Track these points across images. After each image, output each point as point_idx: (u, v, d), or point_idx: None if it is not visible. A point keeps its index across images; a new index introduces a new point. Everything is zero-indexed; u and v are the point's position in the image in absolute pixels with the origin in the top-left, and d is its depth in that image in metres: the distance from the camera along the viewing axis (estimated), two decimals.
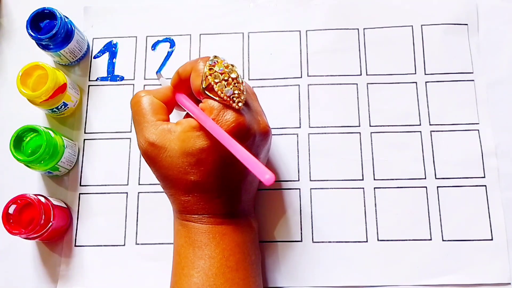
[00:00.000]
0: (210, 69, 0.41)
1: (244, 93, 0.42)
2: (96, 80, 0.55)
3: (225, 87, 0.41)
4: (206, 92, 0.41)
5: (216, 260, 0.41)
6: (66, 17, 0.52)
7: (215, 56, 0.42)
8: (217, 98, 0.41)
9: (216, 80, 0.41)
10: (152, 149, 0.42)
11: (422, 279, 0.48)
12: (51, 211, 0.47)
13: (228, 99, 0.41)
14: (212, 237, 0.42)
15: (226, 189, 0.43)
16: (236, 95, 0.41)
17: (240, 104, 0.41)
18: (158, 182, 0.48)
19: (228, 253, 0.42)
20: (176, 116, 0.52)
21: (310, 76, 0.54)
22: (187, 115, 0.46)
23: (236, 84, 0.41)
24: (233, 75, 0.41)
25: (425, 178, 0.51)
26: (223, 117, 0.41)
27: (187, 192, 0.42)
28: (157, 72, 0.55)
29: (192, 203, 0.42)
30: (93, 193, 0.52)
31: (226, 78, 0.41)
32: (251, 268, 0.43)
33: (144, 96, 0.44)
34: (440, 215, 0.50)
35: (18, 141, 0.48)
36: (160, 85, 0.53)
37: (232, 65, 0.42)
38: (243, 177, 0.43)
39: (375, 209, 0.50)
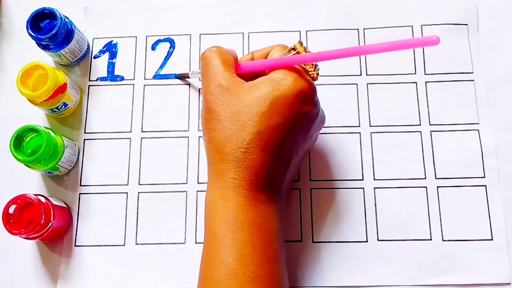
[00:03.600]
0: (299, 42, 0.44)
1: (318, 75, 0.44)
2: (96, 80, 0.55)
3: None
4: (291, 52, 0.43)
5: (257, 247, 0.39)
6: (66, 17, 0.52)
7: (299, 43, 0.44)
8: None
9: (305, 46, 0.43)
10: (224, 91, 0.42)
11: (422, 279, 0.48)
12: (51, 211, 0.47)
13: (307, 67, 0.43)
14: (254, 219, 0.40)
15: (280, 156, 0.41)
16: (313, 68, 0.43)
17: (316, 76, 0.44)
18: (161, 182, 0.49)
19: (268, 240, 0.40)
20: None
21: None
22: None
23: (316, 66, 0.44)
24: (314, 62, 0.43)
25: (425, 178, 0.51)
26: (303, 75, 0.43)
27: (244, 145, 0.40)
28: (177, 76, 0.55)
29: (244, 159, 0.40)
30: (93, 193, 0.52)
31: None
32: (282, 261, 0.42)
33: (219, 48, 0.45)
34: (440, 215, 0.50)
35: (18, 141, 0.48)
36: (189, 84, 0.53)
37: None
38: (296, 154, 0.43)
39: (375, 209, 0.50)
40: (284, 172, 0.43)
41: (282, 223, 0.43)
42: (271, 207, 0.42)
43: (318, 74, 0.44)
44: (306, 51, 0.43)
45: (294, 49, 0.43)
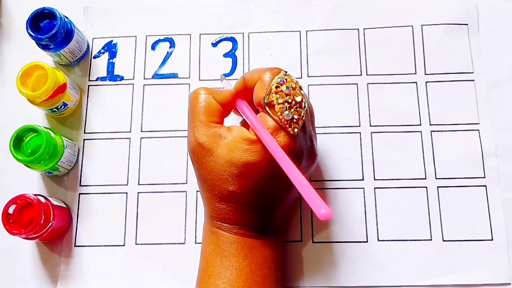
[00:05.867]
0: (277, 87, 0.41)
1: (303, 118, 0.41)
2: (96, 80, 0.55)
3: (286, 109, 0.40)
4: (266, 108, 0.41)
5: (243, 273, 0.41)
6: (66, 17, 0.52)
7: (286, 74, 0.42)
8: (275, 118, 0.41)
9: (280, 100, 0.40)
10: (200, 150, 0.42)
11: (422, 279, 0.48)
12: (51, 211, 0.47)
13: (285, 122, 0.40)
14: (241, 249, 0.42)
15: (261, 205, 0.43)
16: (294, 120, 0.41)
17: (296, 130, 0.41)
18: (161, 182, 0.49)
19: (255, 267, 0.42)
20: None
21: (310, 76, 0.54)
22: (244, 123, 0.46)
23: (297, 109, 0.41)
24: (298, 98, 0.41)
25: (425, 178, 0.51)
26: (275, 137, 0.40)
27: (222, 200, 0.42)
28: (223, 75, 0.54)
29: (225, 212, 0.42)
30: (93, 193, 0.52)
31: (290, 100, 0.41)
32: (276, 285, 0.43)
33: (203, 94, 0.44)
34: (440, 215, 0.50)
35: (18, 141, 0.48)
36: (223, 87, 0.52)
37: (300, 87, 0.42)
38: (281, 198, 0.43)
39: (375, 209, 0.50)
40: (270, 214, 0.44)
41: (276, 249, 0.44)
42: (260, 239, 0.43)
43: (297, 127, 0.41)
44: (291, 85, 0.41)
45: (283, 81, 0.41)
